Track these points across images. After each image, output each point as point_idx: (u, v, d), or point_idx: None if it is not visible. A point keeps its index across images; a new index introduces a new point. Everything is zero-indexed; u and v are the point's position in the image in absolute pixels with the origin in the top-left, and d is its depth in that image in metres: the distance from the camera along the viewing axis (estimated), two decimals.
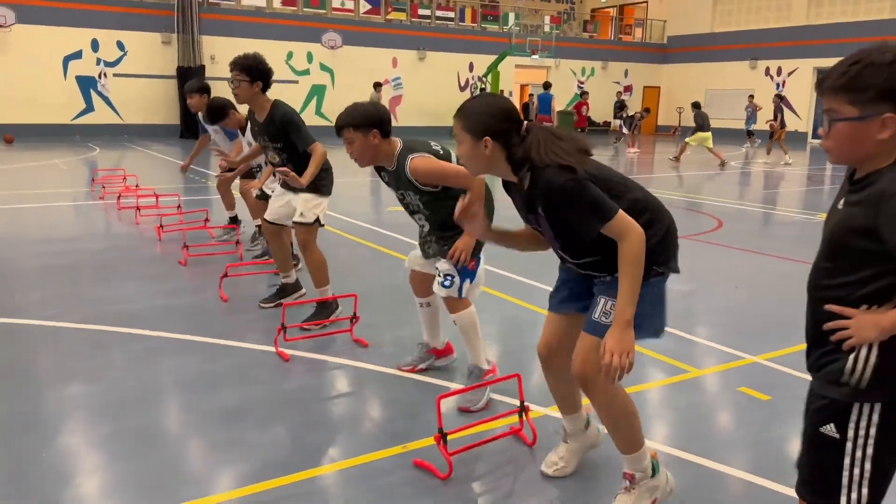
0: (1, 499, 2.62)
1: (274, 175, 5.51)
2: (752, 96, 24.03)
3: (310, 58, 24.87)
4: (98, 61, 21.92)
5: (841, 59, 1.64)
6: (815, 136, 27.90)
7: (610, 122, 31.64)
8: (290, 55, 24.48)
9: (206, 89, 6.72)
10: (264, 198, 5.92)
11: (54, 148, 17.83)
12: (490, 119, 2.32)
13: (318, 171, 4.47)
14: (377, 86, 21.06)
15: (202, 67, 22.48)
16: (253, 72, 4.46)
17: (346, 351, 4.18)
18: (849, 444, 1.66)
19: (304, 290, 5.15)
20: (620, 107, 23.55)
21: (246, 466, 2.88)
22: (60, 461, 2.92)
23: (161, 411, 3.44)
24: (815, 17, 27.68)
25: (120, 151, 17.67)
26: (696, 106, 17.95)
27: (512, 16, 29.32)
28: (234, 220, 7.31)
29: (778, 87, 28.65)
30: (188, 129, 22.56)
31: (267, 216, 4.96)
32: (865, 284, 1.63)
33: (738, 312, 5.22)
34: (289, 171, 4.24)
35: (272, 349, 4.13)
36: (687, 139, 17.59)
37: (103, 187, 10.05)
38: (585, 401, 2.71)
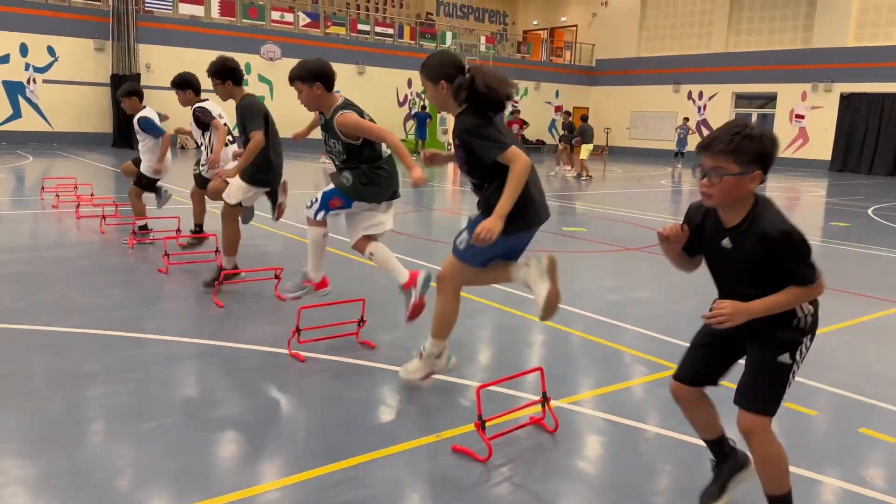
0: (59, 490, 2.72)
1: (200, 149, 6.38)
2: (686, 119, 25.30)
3: (248, 69, 24.69)
4: (27, 66, 21.21)
5: (718, 129, 2.32)
6: None
7: (544, 141, 32.65)
8: None
9: (135, 92, 7.18)
10: (203, 184, 6.54)
11: None
12: (442, 67, 3.38)
13: (251, 161, 5.22)
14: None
15: (137, 76, 22.04)
16: (220, 73, 5.39)
17: (356, 352, 4.39)
18: (794, 366, 2.39)
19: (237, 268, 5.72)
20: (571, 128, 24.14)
21: (288, 457, 3.07)
22: (107, 457, 3.03)
23: (194, 410, 3.56)
24: (733, 45, 29.42)
25: (54, 160, 17.14)
26: (583, 119, 19.36)
27: (449, 35, 29.93)
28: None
29: (700, 111, 30.22)
30: (121, 137, 22.07)
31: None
32: (771, 290, 2.32)
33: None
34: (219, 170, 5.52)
35: (283, 351, 4.30)
36: (582, 157, 18.51)
37: (57, 196, 9.84)
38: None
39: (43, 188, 10.63)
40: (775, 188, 18.98)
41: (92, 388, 3.68)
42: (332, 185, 4.37)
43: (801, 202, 15.89)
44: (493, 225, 3.12)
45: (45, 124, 21.76)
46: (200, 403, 3.64)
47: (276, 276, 5.66)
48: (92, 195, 9.71)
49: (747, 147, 2.23)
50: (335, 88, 4.41)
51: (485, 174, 3.34)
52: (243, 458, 3.07)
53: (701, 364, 2.63)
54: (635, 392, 4.01)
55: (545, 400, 3.42)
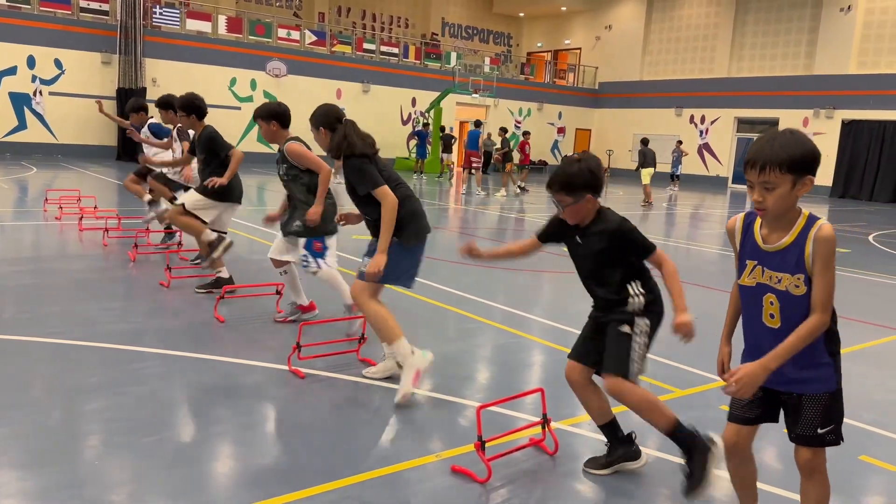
0: (59, 503, 2.72)
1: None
2: (679, 142, 25.39)
3: (253, 85, 24.89)
4: (33, 78, 21.36)
5: (556, 168, 3.07)
6: (734, 181, 29.69)
7: (546, 161, 32.76)
8: (233, 81, 24.44)
9: (143, 107, 8.22)
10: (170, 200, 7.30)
11: None
12: (325, 118, 4.20)
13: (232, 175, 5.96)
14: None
15: (143, 90, 22.18)
16: (188, 107, 6.07)
17: (356, 369, 4.39)
18: (634, 337, 3.02)
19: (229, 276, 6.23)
20: (448, 140, 24.04)
21: (286, 475, 3.06)
22: (105, 470, 3.03)
23: (194, 424, 3.56)
24: (736, 71, 29.62)
25: (58, 171, 17.22)
26: (643, 142, 19.03)
27: (454, 55, 30.16)
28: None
29: (702, 135, 30.34)
30: (125, 151, 22.18)
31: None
32: (618, 272, 3.05)
33: (703, 341, 5.68)
34: (214, 179, 5.85)
35: (283, 367, 4.30)
36: (645, 182, 18.46)
37: (60, 208, 9.88)
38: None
39: (46, 200, 10.67)
40: None
41: (92, 401, 3.69)
42: (301, 241, 5.03)
43: None
44: (379, 261, 3.87)
45: (51, 136, 21.87)
46: (199, 419, 3.64)
47: (278, 292, 5.67)
48: (95, 208, 9.75)
49: (574, 182, 2.98)
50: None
51: (367, 207, 4.08)
52: (241, 475, 3.06)
53: (582, 344, 3.23)
54: (635, 415, 3.99)
55: (545, 421, 3.42)
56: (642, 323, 3.03)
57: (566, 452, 3.40)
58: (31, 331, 4.76)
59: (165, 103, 7.20)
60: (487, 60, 31.78)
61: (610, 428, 3.24)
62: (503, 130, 21.14)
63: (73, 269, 6.80)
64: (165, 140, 7.80)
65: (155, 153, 7.98)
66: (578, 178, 2.96)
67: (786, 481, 3.24)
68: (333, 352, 4.63)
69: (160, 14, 23.46)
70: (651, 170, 18.40)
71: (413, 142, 25.87)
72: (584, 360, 3.17)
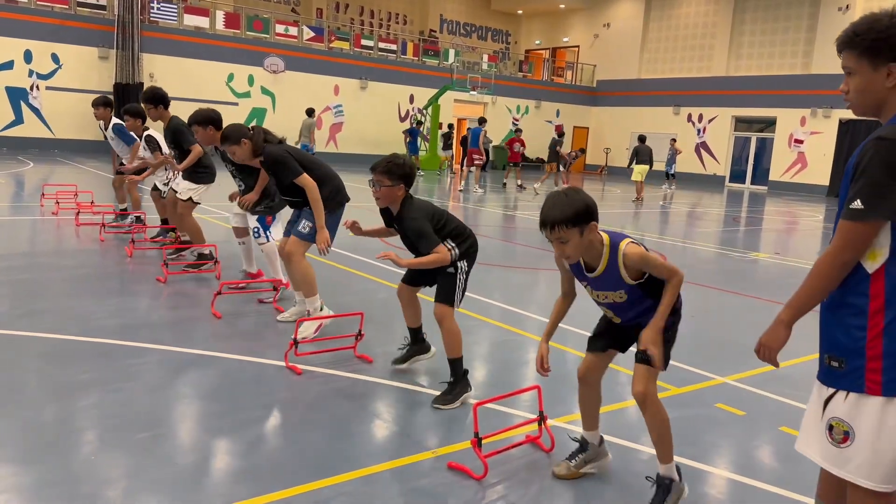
0: (53, 500, 2.71)
1: (165, 170, 7.57)
2: (674, 140, 25.38)
3: (251, 81, 24.81)
4: (30, 73, 21.26)
5: (383, 159, 3.85)
6: (731, 180, 29.71)
7: (544, 159, 32.73)
8: (230, 77, 24.36)
9: (108, 103, 8.43)
10: (157, 190, 7.71)
11: None
12: (239, 132, 5.07)
13: (195, 164, 6.58)
14: (310, 112, 21.10)
15: (140, 85, 22.09)
16: (154, 100, 6.66)
17: (354, 366, 4.39)
18: (458, 275, 3.88)
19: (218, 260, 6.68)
20: (447, 137, 24.17)
21: (283, 471, 3.06)
22: (100, 466, 3.02)
23: (189, 421, 3.56)
24: (734, 70, 29.61)
25: (55, 166, 17.15)
26: (640, 139, 18.97)
27: (452, 52, 30.12)
28: (126, 212, 8.79)
29: (700, 134, 30.37)
30: None
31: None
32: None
33: (700, 339, 5.69)
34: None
35: (280, 363, 4.29)
36: (634, 178, 18.53)
37: (57, 203, 9.85)
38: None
39: (43, 195, 10.63)
40: (773, 212, 19.03)
41: (87, 397, 3.68)
42: (257, 217, 5.73)
43: (799, 227, 15.93)
44: (326, 235, 4.75)
45: (47, 131, 21.79)
46: (194, 415, 3.63)
47: (275, 288, 5.66)
48: (92, 203, 9.72)
49: (393, 171, 3.73)
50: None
51: (294, 194, 4.89)
52: (236, 470, 3.05)
53: (409, 274, 4.17)
54: (630, 413, 4.00)
55: (542, 418, 3.42)
56: (462, 265, 3.90)
57: (562, 449, 3.39)
58: (23, 326, 4.74)
59: (135, 112, 7.55)
60: (485, 57, 31.72)
61: (416, 335, 4.35)
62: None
63: (69, 265, 6.78)
64: (155, 153, 7.59)
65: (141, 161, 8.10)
66: (400, 168, 3.75)
67: (786, 481, 3.25)
68: (330, 348, 4.62)
69: (158, 9, 23.35)
70: (646, 167, 18.43)
71: (407, 139, 25.83)
72: (414, 282, 4.14)
